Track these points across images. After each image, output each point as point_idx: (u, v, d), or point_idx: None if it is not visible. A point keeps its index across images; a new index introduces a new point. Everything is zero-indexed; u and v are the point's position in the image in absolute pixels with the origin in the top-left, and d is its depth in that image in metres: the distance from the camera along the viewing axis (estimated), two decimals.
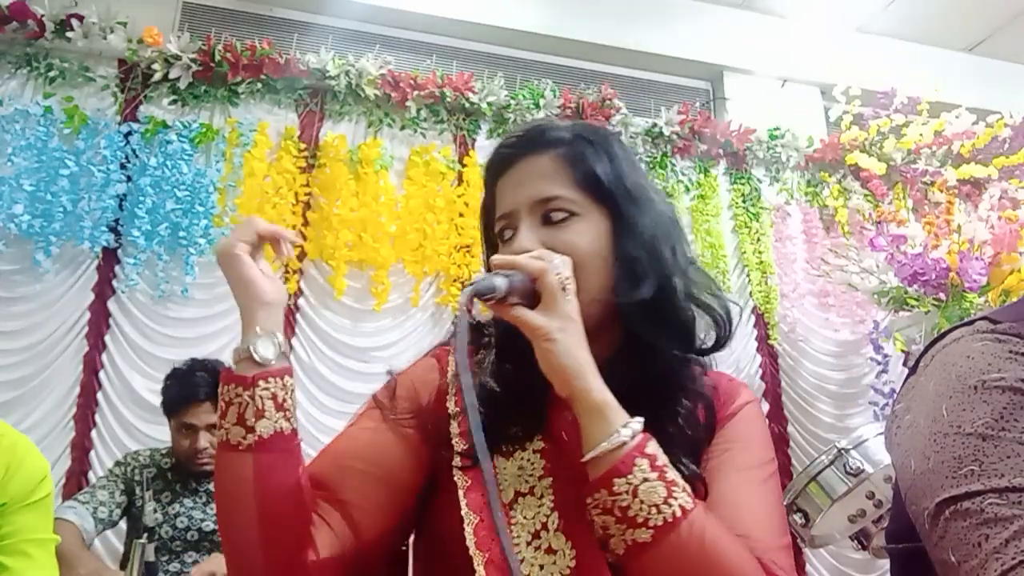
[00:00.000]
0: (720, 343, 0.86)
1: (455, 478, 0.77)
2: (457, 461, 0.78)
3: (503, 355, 0.84)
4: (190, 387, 2.18)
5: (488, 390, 0.81)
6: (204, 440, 2.17)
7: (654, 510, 0.67)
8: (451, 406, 0.82)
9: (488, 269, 0.90)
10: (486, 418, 0.75)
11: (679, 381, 0.83)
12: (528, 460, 0.78)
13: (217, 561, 1.99)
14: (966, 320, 0.71)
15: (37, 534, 1.36)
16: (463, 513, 0.74)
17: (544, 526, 0.73)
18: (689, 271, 0.85)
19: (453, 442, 0.80)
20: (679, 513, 0.67)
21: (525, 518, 0.74)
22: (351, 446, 0.80)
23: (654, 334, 0.81)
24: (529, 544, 0.73)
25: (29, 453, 1.39)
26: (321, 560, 0.71)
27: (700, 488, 0.77)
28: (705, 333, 0.85)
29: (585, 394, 0.71)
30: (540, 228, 0.81)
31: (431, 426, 0.82)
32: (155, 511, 2.14)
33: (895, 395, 0.75)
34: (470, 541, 0.72)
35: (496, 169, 0.87)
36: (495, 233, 0.87)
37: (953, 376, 0.65)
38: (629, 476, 0.68)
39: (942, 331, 0.72)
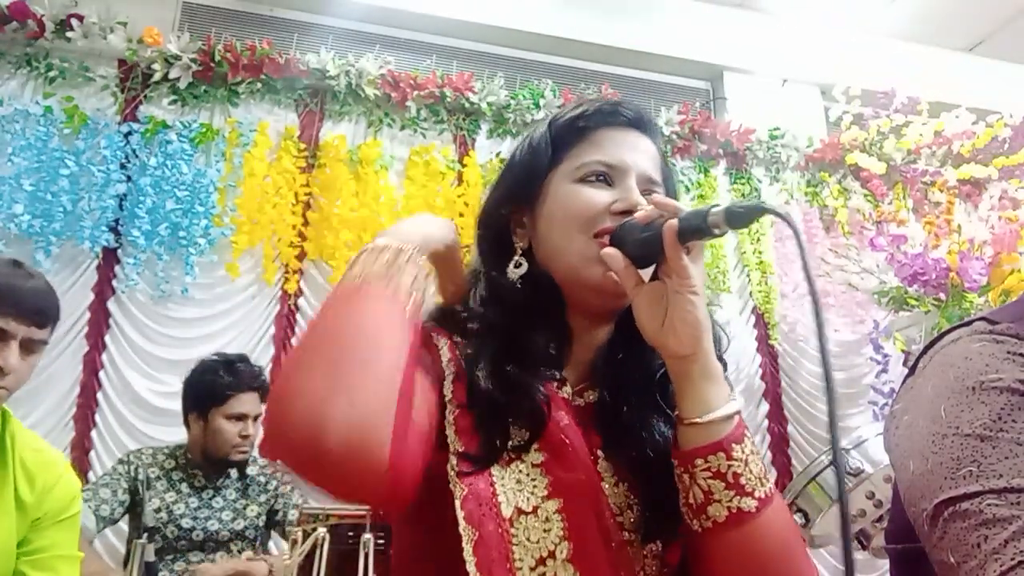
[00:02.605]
0: None
1: (451, 485, 0.70)
2: (453, 463, 0.70)
3: (506, 347, 0.77)
4: (239, 376, 2.21)
5: (484, 390, 0.74)
6: (252, 427, 2.20)
7: (759, 482, 0.69)
8: (448, 393, 0.74)
9: (501, 199, 0.86)
10: (485, 421, 0.72)
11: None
12: (527, 474, 0.71)
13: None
14: (964, 320, 0.70)
15: (65, 550, 1.40)
16: (461, 529, 0.67)
17: (551, 554, 0.68)
18: None
19: (450, 440, 0.72)
20: (771, 491, 0.70)
21: (529, 540, 0.69)
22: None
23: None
24: (533, 570, 0.68)
25: (66, 471, 1.44)
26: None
27: None
28: None
29: (708, 355, 0.71)
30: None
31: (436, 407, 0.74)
32: (157, 510, 2.15)
33: (894, 395, 0.75)
34: (470, 564, 0.66)
35: (606, 118, 0.84)
36: (562, 167, 0.82)
37: (951, 377, 0.65)
38: (743, 445, 0.69)
39: (940, 332, 0.72)
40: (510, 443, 0.72)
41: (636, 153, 0.82)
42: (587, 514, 0.70)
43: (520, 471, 0.71)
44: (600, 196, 0.79)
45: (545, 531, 0.69)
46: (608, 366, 0.82)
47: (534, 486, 0.70)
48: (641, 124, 0.85)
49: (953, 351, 0.67)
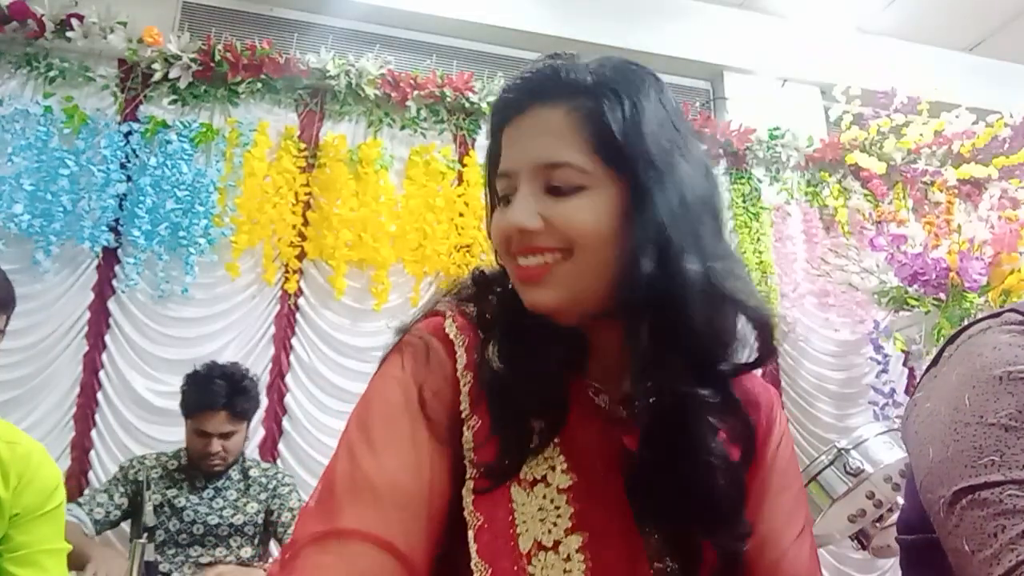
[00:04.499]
0: (758, 361, 0.70)
1: (465, 513, 0.63)
2: (470, 486, 0.63)
3: (518, 333, 0.69)
4: (209, 395, 2.24)
5: (496, 373, 0.66)
6: (216, 446, 2.24)
7: None
8: (465, 408, 0.67)
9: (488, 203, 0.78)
10: (501, 414, 0.65)
11: (706, 411, 0.67)
12: (551, 500, 0.64)
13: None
14: (993, 312, 0.70)
15: (50, 544, 1.35)
16: (473, 564, 0.60)
17: None
18: (718, 262, 0.67)
19: (467, 460, 0.65)
20: None
21: None
22: (418, 487, 0.62)
23: (660, 343, 0.65)
24: None
25: (43, 462, 1.38)
26: None
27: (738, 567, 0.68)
28: (741, 344, 0.70)
29: None
30: (543, 196, 0.66)
31: (453, 429, 0.66)
32: (160, 505, 2.20)
33: (900, 393, 0.75)
34: None
35: (501, 115, 0.71)
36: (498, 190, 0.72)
37: (978, 366, 0.64)
38: None
39: (967, 322, 0.71)
40: (535, 434, 0.65)
41: (524, 142, 0.68)
42: (615, 555, 0.63)
43: (543, 496, 0.64)
44: (498, 219, 0.70)
45: (565, 571, 0.61)
46: (642, 376, 0.67)
47: (557, 516, 0.63)
48: (538, 92, 0.68)
49: (981, 341, 0.67)
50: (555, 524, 0.63)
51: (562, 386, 0.67)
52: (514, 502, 0.63)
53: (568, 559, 0.62)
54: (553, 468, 0.65)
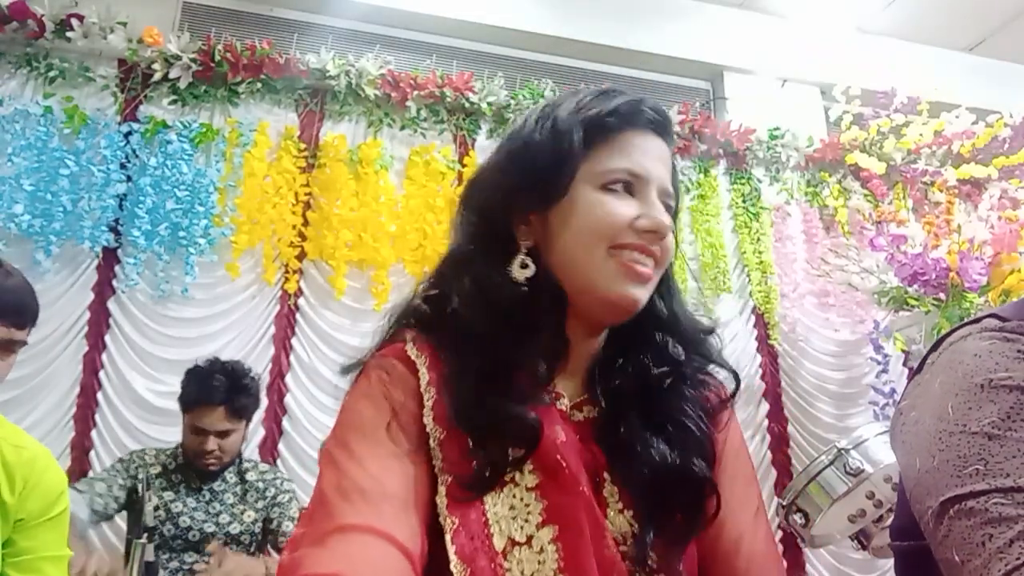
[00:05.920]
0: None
1: (440, 518, 0.66)
2: (443, 492, 0.67)
3: (492, 364, 0.72)
4: (207, 390, 2.18)
5: (469, 417, 0.69)
6: (212, 444, 2.18)
7: None
8: (429, 422, 0.70)
9: (513, 190, 0.78)
10: (476, 443, 0.68)
11: (688, 371, 0.80)
12: (520, 499, 0.67)
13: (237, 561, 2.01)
14: (974, 317, 0.69)
15: (52, 551, 1.34)
16: (452, 566, 0.63)
17: None
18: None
19: (437, 470, 0.68)
20: None
21: (523, 575, 0.64)
22: (403, 488, 0.66)
23: (666, 340, 0.80)
24: None
25: (49, 467, 1.37)
26: None
27: (712, 497, 0.74)
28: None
29: None
30: None
31: (422, 440, 0.70)
32: (157, 508, 2.15)
33: (900, 393, 0.75)
34: None
35: (634, 118, 0.76)
36: (583, 168, 0.74)
37: (960, 374, 0.64)
38: None
39: (950, 328, 0.71)
40: (509, 453, 0.68)
41: (657, 163, 0.76)
42: (584, 542, 0.66)
43: (514, 496, 0.68)
44: (624, 209, 0.73)
45: (540, 563, 0.65)
46: (604, 378, 0.78)
47: (528, 513, 0.67)
48: (662, 128, 0.78)
49: (962, 348, 0.66)
50: (527, 520, 0.66)
51: (537, 426, 0.69)
52: (486, 503, 0.67)
53: (541, 551, 0.65)
54: (520, 470, 0.69)
